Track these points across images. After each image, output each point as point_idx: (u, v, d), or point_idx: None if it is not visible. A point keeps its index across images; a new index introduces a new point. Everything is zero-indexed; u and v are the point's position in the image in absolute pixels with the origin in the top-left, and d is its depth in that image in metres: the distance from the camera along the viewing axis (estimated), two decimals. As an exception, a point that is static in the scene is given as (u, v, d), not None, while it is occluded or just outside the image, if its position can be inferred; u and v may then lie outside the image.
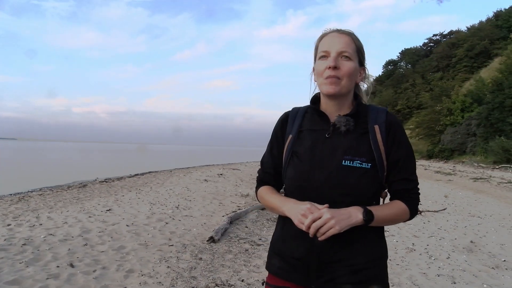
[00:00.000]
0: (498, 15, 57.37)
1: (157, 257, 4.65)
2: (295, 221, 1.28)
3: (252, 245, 5.32)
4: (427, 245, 5.56)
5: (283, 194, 1.47)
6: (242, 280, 3.97)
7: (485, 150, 30.36)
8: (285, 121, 1.49)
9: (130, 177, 17.10)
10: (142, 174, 18.81)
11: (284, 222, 1.42)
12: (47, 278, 3.79)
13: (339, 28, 1.40)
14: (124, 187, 12.53)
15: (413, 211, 1.39)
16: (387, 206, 1.37)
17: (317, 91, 1.47)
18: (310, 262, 1.33)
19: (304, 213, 1.26)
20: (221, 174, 17.11)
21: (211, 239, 5.40)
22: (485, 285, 4.03)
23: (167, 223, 6.50)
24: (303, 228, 1.25)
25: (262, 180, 1.56)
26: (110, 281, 3.85)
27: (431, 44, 69.96)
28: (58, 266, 4.14)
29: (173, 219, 6.89)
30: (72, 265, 4.20)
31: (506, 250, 5.39)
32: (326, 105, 1.42)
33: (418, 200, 1.41)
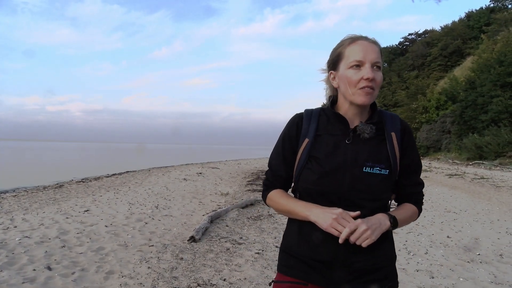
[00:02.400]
0: (469, 15, 58.81)
1: (137, 258, 4.59)
2: (325, 225, 1.30)
3: (233, 244, 5.31)
4: (406, 241, 5.66)
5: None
6: (224, 280, 3.96)
7: (459, 147, 31.12)
8: (300, 124, 1.46)
9: (108, 177, 16.83)
10: (120, 173, 18.54)
11: (301, 225, 1.41)
12: (23, 282, 3.69)
13: (363, 35, 1.40)
14: (102, 187, 12.32)
15: (420, 211, 1.51)
16: (403, 210, 1.46)
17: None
18: (334, 264, 1.35)
19: (337, 217, 1.29)
20: (200, 173, 17.02)
21: (192, 239, 5.36)
22: (461, 279, 4.13)
23: (146, 223, 6.42)
24: (337, 235, 1.28)
25: (273, 183, 1.53)
26: (89, 283, 3.78)
27: (406, 43, 71.11)
28: (34, 270, 4.04)
29: (153, 219, 6.81)
30: (49, 268, 4.10)
31: (480, 244, 5.55)
32: (347, 111, 1.42)
33: (422, 204, 1.53)
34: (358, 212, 1.31)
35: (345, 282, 1.35)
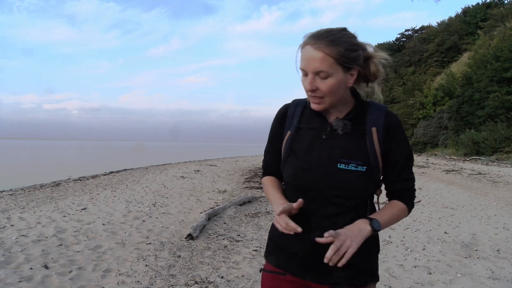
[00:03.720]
0: (466, 11, 58.84)
1: (134, 256, 4.58)
2: (274, 221, 1.35)
3: (231, 241, 5.30)
4: (403, 237, 5.67)
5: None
6: (222, 277, 3.95)
7: (456, 142, 31.23)
8: (284, 116, 1.47)
9: (105, 175, 16.78)
10: (117, 171, 18.48)
11: None
12: (19, 281, 3.67)
13: (316, 35, 1.27)
14: (99, 185, 12.29)
15: (411, 208, 1.43)
16: (388, 209, 1.39)
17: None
18: (306, 256, 1.37)
19: (277, 217, 1.31)
20: (197, 171, 17.00)
21: (189, 236, 5.35)
22: (458, 274, 4.14)
23: (144, 221, 6.40)
24: (281, 230, 1.30)
25: (266, 169, 1.59)
26: (86, 282, 3.76)
27: (403, 39, 71.07)
28: (31, 268, 4.01)
29: (150, 216, 6.80)
30: (46, 267, 4.08)
31: (478, 240, 5.56)
32: None
33: (414, 196, 1.45)
34: (300, 201, 1.29)
35: (318, 276, 1.36)
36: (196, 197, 9.43)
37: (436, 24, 63.26)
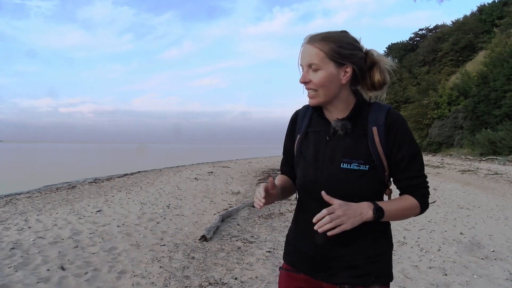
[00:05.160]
0: (481, 9, 57.92)
1: (149, 257, 4.62)
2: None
3: (245, 243, 5.31)
4: (418, 238, 5.61)
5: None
6: (236, 278, 3.96)
7: (472, 142, 30.76)
8: (295, 121, 1.55)
9: (120, 177, 16.97)
10: (132, 174, 18.68)
11: (297, 217, 1.53)
12: (37, 282, 3.74)
13: (313, 35, 1.37)
14: (114, 188, 12.43)
15: (424, 205, 1.39)
16: (397, 201, 1.39)
17: None
18: (315, 257, 1.41)
19: (256, 195, 1.39)
20: (211, 172, 17.07)
21: (203, 238, 5.38)
22: (475, 276, 4.08)
23: (158, 223, 6.46)
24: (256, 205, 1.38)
25: (281, 169, 1.66)
26: (102, 283, 3.81)
27: (417, 38, 70.34)
28: (48, 270, 4.08)
29: (164, 218, 6.85)
30: (63, 268, 4.15)
31: (495, 241, 5.47)
32: (324, 109, 1.44)
33: (428, 194, 1.41)
34: (270, 179, 1.38)
35: (327, 276, 1.40)
36: (209, 198, 9.47)
37: (451, 22, 62.46)
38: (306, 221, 1.38)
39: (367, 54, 1.39)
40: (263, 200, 1.35)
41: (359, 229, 1.30)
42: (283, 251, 1.59)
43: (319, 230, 1.24)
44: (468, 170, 17.70)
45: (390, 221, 1.42)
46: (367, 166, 1.33)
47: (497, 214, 7.49)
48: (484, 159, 25.17)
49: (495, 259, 4.66)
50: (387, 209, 1.32)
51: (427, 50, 58.87)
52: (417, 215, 1.42)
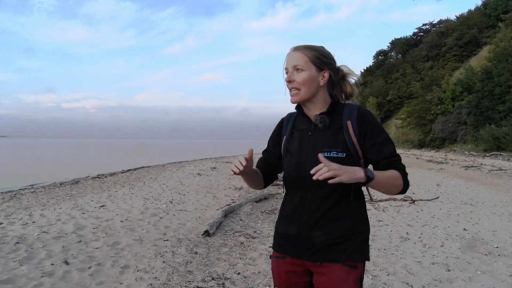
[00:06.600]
0: (486, 3, 57.53)
1: (152, 252, 4.64)
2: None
3: (247, 238, 5.32)
4: (421, 233, 5.60)
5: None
6: (238, 273, 3.98)
7: (475, 138, 30.64)
8: (281, 125, 1.81)
9: (123, 172, 17.02)
10: (135, 169, 18.73)
11: (283, 208, 1.74)
12: (41, 276, 3.76)
13: (298, 45, 1.65)
14: (117, 183, 12.47)
15: (405, 180, 1.57)
16: (382, 171, 1.54)
17: None
18: (300, 238, 1.61)
19: (235, 163, 1.58)
20: (214, 168, 17.09)
21: (206, 233, 5.39)
22: (478, 272, 4.07)
23: (161, 218, 6.48)
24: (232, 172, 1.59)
25: (257, 165, 1.87)
26: (105, 277, 3.83)
27: (420, 33, 70.05)
28: (52, 264, 4.11)
29: (167, 213, 6.87)
30: (66, 262, 4.17)
31: (498, 237, 5.46)
32: (306, 109, 1.68)
33: (405, 172, 1.58)
34: (250, 149, 1.61)
35: (310, 255, 1.59)
36: (212, 194, 9.49)
37: (455, 17, 62.08)
38: (291, 207, 1.65)
39: (339, 68, 1.69)
40: (241, 168, 1.55)
41: (338, 211, 1.56)
42: (273, 242, 1.80)
43: (320, 178, 1.37)
44: (472, 166, 17.64)
45: (379, 192, 1.62)
46: (344, 154, 1.56)
47: (500, 210, 7.47)
48: (488, 155, 25.07)
49: (499, 255, 4.65)
50: (376, 174, 1.47)
51: (430, 45, 58.61)
52: (400, 191, 1.57)
